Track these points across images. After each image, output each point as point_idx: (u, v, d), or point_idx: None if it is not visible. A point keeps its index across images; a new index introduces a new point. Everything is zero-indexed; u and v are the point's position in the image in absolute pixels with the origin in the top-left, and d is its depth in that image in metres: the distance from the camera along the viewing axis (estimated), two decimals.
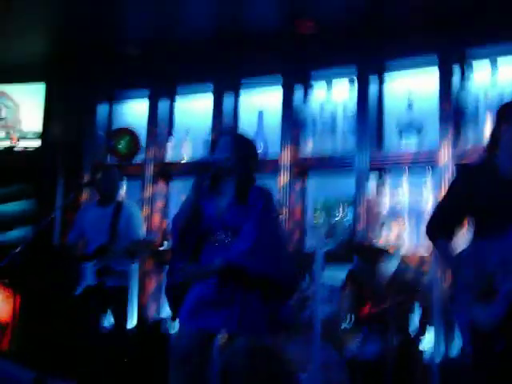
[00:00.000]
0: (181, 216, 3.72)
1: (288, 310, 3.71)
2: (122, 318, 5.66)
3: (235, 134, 3.94)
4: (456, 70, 5.69)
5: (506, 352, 3.03)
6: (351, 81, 6.14)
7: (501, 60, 5.61)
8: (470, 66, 5.74)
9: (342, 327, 4.94)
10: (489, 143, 3.36)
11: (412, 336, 4.93)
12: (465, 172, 3.42)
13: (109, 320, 5.83)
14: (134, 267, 5.80)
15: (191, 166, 3.77)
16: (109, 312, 5.68)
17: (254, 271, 3.51)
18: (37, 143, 7.32)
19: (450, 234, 3.32)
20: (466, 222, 3.34)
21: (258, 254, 3.50)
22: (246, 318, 3.51)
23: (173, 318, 3.87)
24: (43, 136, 7.30)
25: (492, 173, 3.25)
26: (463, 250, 3.26)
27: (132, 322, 5.87)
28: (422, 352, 4.85)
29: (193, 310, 3.60)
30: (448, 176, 5.44)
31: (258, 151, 6.14)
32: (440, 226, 3.34)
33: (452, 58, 5.68)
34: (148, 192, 6.71)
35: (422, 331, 4.86)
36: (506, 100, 5.48)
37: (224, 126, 3.97)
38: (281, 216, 5.84)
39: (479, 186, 3.23)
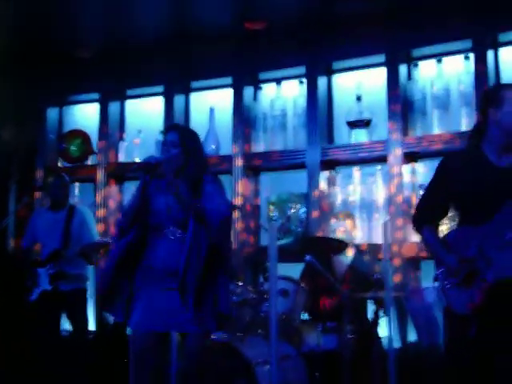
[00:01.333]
0: (127, 212, 3.74)
1: (227, 302, 3.75)
2: (79, 321, 5.62)
3: (181, 129, 3.94)
4: (403, 64, 5.79)
5: (477, 337, 3.10)
6: (301, 82, 6.21)
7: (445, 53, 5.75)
8: (416, 61, 5.86)
9: (299, 321, 4.98)
10: (474, 130, 3.39)
11: (368, 325, 5.00)
12: (450, 159, 3.43)
13: (66, 324, 5.80)
14: (89, 270, 5.78)
15: (138, 166, 3.76)
16: (65, 316, 5.66)
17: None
18: None
19: (435, 221, 3.40)
20: (450, 209, 3.41)
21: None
22: (196, 317, 3.54)
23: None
24: None
25: (478, 159, 3.28)
26: (447, 235, 3.34)
27: (90, 324, 5.85)
28: (378, 339, 4.92)
29: (144, 313, 3.61)
30: (398, 166, 5.54)
31: (211, 147, 6.25)
32: (426, 213, 3.40)
33: (398, 55, 5.77)
34: (101, 194, 6.67)
35: (377, 320, 4.93)
36: (452, 90, 5.63)
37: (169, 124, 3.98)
38: (236, 211, 5.86)
39: (465, 172, 3.27)
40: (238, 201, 6.02)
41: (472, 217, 3.23)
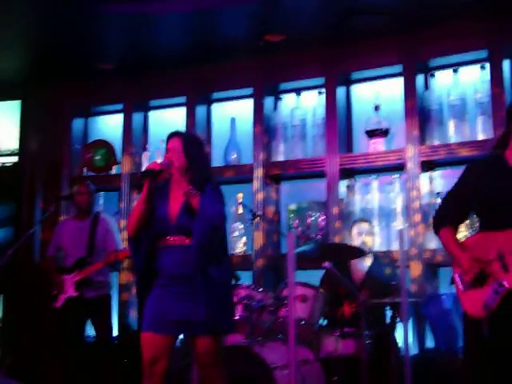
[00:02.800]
0: (132, 220, 3.79)
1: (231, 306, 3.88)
2: (104, 327, 5.74)
3: (183, 135, 3.90)
4: (419, 74, 5.88)
5: (491, 338, 3.16)
6: (320, 92, 6.32)
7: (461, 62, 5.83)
8: (433, 71, 5.96)
9: (317, 326, 5.06)
10: (498, 140, 3.47)
11: (386, 330, 5.07)
12: (473, 166, 3.50)
13: (91, 330, 5.92)
14: (113, 277, 5.91)
15: (143, 173, 3.79)
16: (90, 322, 5.78)
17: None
18: (14, 159, 7.38)
19: (454, 223, 3.46)
20: (469, 214, 3.50)
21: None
22: (209, 320, 3.62)
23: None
24: (20, 152, 7.36)
25: (500, 166, 3.35)
26: (467, 239, 3.44)
27: (114, 330, 5.96)
28: (396, 345, 4.99)
29: (151, 316, 3.69)
30: (415, 174, 5.62)
31: (232, 157, 6.36)
32: (446, 216, 3.46)
33: (415, 65, 5.85)
34: (125, 203, 6.81)
35: (394, 325, 5.01)
36: (468, 100, 5.71)
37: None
38: (257, 219, 5.95)
39: (487, 178, 3.34)
40: (258, 209, 6.13)
41: (493, 222, 3.29)
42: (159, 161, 3.83)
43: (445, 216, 3.48)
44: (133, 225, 3.77)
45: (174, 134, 3.88)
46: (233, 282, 4.20)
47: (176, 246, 3.71)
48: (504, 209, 3.27)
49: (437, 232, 3.50)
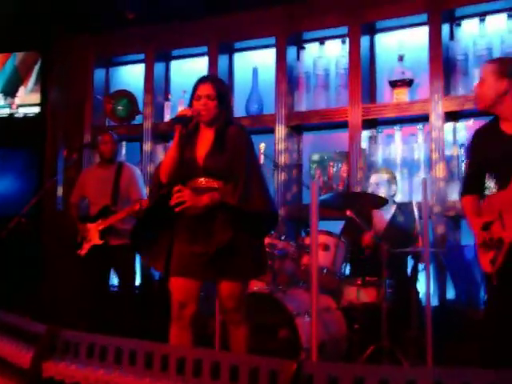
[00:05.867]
0: (165, 167, 3.76)
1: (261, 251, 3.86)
2: (127, 275, 5.81)
3: (216, 81, 3.84)
4: (445, 23, 5.79)
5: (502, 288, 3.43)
6: (343, 42, 6.25)
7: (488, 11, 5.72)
8: (459, 20, 5.86)
9: (339, 275, 5.09)
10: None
11: (407, 279, 5.10)
12: (474, 135, 3.74)
13: (115, 278, 6.00)
14: None
15: (175, 119, 3.78)
16: (113, 270, 5.86)
17: (244, 209, 3.64)
18: (37, 109, 7.41)
19: (474, 193, 3.72)
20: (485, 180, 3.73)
21: (247, 193, 3.63)
22: (234, 264, 3.64)
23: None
24: (43, 102, 7.39)
25: (495, 130, 3.57)
26: (483, 201, 3.67)
27: (137, 279, 6.03)
28: (417, 294, 5.02)
29: (177, 261, 3.71)
30: (439, 125, 5.58)
31: (254, 107, 6.34)
32: (465, 186, 3.76)
33: (441, 14, 5.73)
34: (147, 153, 6.83)
35: (415, 274, 5.03)
36: (494, 50, 5.62)
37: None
38: (279, 169, 5.97)
39: (486, 144, 3.60)
40: (280, 159, 6.13)
41: (497, 183, 3.57)
42: (188, 108, 3.81)
43: (464, 186, 3.76)
44: (166, 171, 3.75)
45: (205, 79, 3.82)
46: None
47: (204, 188, 3.70)
48: (501, 171, 3.52)
49: (460, 199, 3.82)
